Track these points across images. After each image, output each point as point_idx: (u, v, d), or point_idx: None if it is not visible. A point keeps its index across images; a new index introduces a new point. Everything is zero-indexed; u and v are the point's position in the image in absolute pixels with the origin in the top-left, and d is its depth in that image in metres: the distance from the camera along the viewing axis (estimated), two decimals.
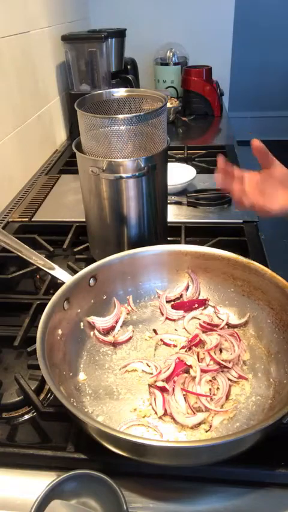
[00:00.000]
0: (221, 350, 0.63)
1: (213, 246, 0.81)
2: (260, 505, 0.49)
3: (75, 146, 0.77)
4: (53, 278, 0.70)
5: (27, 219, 1.08)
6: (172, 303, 0.74)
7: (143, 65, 2.04)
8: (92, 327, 0.68)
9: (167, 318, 0.72)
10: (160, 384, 0.58)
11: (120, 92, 0.81)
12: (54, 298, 0.62)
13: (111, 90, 0.81)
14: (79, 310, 0.67)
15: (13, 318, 0.77)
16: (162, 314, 0.73)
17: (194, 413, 0.55)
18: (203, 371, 0.59)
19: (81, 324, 0.67)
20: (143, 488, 0.50)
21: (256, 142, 0.68)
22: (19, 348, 0.68)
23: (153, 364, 0.62)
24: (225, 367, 0.60)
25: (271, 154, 0.69)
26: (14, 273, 0.85)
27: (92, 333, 0.68)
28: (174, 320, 0.72)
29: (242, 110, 3.83)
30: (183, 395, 0.57)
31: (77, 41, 1.52)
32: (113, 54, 1.66)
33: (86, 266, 0.70)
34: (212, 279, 0.75)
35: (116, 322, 0.70)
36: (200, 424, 0.54)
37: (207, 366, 0.60)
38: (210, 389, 0.57)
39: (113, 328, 0.69)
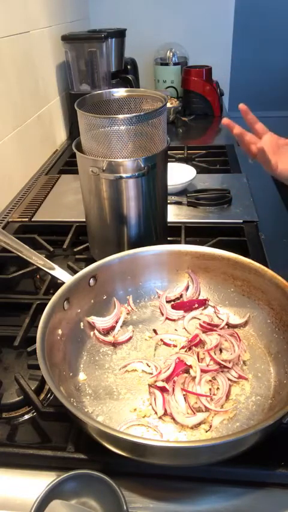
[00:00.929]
0: (221, 350, 0.63)
1: (213, 246, 0.81)
2: (260, 505, 0.49)
3: (75, 146, 0.77)
4: (53, 278, 0.70)
5: (27, 219, 1.08)
6: (172, 303, 0.74)
7: (143, 65, 2.04)
8: (92, 327, 0.68)
9: (167, 318, 0.72)
10: (160, 383, 0.58)
11: (120, 92, 0.81)
12: (54, 298, 0.62)
13: (111, 90, 0.81)
14: (79, 310, 0.67)
15: (13, 318, 0.77)
16: (162, 314, 0.73)
17: (194, 413, 0.55)
18: (203, 371, 0.59)
19: (81, 324, 0.67)
20: (143, 488, 0.50)
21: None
22: (19, 348, 0.68)
23: (153, 364, 0.62)
24: (225, 367, 0.60)
25: None
26: (14, 273, 0.85)
27: (92, 333, 0.68)
28: (174, 320, 0.72)
29: None
30: (183, 395, 0.57)
31: (77, 41, 1.52)
32: (113, 54, 1.66)
33: (86, 266, 0.70)
34: (212, 279, 0.75)
35: (116, 322, 0.70)
36: (200, 424, 0.54)
37: (207, 366, 0.60)
38: (210, 389, 0.57)
39: (113, 328, 0.69)
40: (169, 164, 0.85)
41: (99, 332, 0.68)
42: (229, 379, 0.59)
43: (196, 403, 0.56)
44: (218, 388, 0.58)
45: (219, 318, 0.70)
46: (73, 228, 1.00)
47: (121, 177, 0.73)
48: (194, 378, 0.58)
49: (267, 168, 0.76)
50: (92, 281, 0.69)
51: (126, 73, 1.79)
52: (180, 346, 0.65)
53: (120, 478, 0.48)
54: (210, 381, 0.59)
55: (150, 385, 0.59)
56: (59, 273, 0.69)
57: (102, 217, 0.81)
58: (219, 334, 0.65)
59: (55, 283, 0.74)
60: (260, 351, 0.65)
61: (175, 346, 0.66)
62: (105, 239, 0.84)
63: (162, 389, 0.57)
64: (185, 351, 0.64)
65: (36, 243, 0.96)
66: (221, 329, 0.67)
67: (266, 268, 0.67)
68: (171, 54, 1.97)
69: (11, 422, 0.59)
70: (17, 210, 1.12)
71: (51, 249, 0.94)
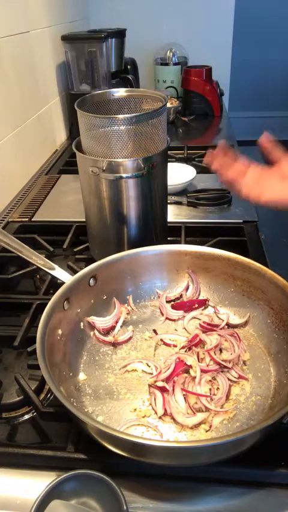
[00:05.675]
0: (221, 350, 0.63)
1: (213, 246, 0.81)
2: (260, 505, 0.49)
3: (75, 146, 0.77)
4: (53, 278, 0.70)
5: (27, 219, 1.08)
6: (172, 303, 0.74)
7: (143, 65, 2.04)
8: (92, 327, 0.68)
9: (167, 318, 0.72)
10: (160, 383, 0.58)
11: (120, 92, 0.81)
12: (54, 298, 0.62)
13: (111, 90, 0.81)
14: (79, 310, 0.67)
15: (13, 318, 0.77)
16: (162, 314, 0.73)
17: (194, 413, 0.55)
18: (203, 371, 0.59)
19: (81, 324, 0.67)
20: (143, 488, 0.50)
21: (263, 140, 0.66)
22: (19, 348, 0.68)
23: (153, 364, 0.62)
24: (225, 367, 0.60)
25: (279, 149, 0.67)
26: (14, 273, 0.85)
27: (92, 333, 0.68)
28: (174, 320, 0.72)
29: (242, 110, 3.84)
30: (183, 395, 0.57)
31: (77, 41, 1.52)
32: (113, 54, 1.66)
33: (86, 266, 0.70)
34: (212, 279, 0.75)
35: (116, 322, 0.70)
36: (200, 424, 0.54)
37: (207, 366, 0.60)
38: (210, 389, 0.57)
39: (113, 328, 0.69)
40: (169, 164, 0.85)
41: (99, 332, 0.68)
42: (229, 379, 0.59)
43: (196, 403, 0.56)
44: (218, 388, 0.58)
45: (219, 318, 0.70)
46: (73, 228, 1.00)
47: (121, 177, 0.73)
48: (194, 378, 0.58)
49: (251, 201, 0.66)
50: (92, 281, 0.69)
51: (126, 73, 1.79)
52: (180, 346, 0.65)
53: (120, 478, 0.48)
54: (210, 381, 0.59)
55: (150, 385, 0.59)
56: (59, 273, 0.69)
57: (102, 217, 0.81)
58: (219, 334, 0.65)
59: (55, 283, 0.74)
60: (260, 351, 0.65)
61: (175, 346, 0.66)
62: (105, 239, 0.84)
63: (162, 389, 0.57)
64: (185, 351, 0.64)
65: (36, 243, 0.96)
66: (221, 329, 0.67)
67: (266, 268, 0.67)
68: (171, 54, 1.97)
69: (11, 422, 0.59)
70: (17, 210, 1.12)
71: (51, 249, 0.94)
